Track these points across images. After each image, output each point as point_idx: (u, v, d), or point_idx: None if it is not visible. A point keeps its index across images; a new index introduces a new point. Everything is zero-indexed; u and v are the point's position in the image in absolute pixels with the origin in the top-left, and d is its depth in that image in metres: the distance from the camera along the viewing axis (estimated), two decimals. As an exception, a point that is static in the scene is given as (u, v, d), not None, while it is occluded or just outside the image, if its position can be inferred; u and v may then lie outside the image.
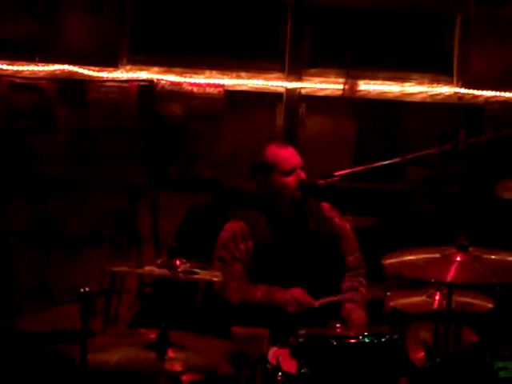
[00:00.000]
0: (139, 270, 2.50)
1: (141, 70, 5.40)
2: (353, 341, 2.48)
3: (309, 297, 3.15)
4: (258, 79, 5.41)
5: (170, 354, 2.50)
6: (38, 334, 4.35)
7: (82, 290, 2.44)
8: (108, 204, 5.15)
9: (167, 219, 5.09)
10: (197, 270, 2.46)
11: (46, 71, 5.29)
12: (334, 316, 3.13)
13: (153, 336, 2.55)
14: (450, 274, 2.55)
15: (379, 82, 5.47)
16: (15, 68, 5.24)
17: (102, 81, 5.32)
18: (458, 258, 2.63)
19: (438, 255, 2.68)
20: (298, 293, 3.16)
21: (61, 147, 5.29)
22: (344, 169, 3.46)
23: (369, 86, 5.45)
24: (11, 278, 4.94)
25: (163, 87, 5.36)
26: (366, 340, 2.47)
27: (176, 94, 5.35)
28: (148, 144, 5.29)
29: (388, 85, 5.47)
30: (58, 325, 4.23)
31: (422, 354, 2.80)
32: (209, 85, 5.36)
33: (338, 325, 2.63)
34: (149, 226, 5.09)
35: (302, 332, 2.53)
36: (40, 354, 4.06)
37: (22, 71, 5.25)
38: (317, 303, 3.12)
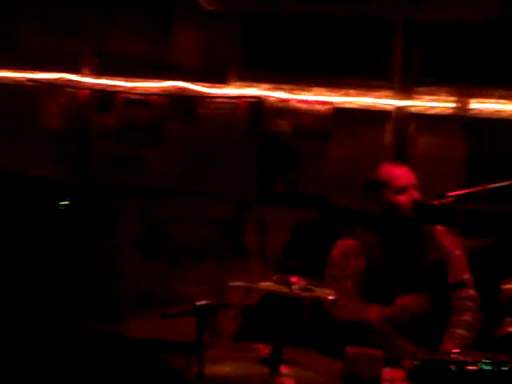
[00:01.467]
0: (257, 286, 2.52)
1: (250, 86, 5.48)
2: (472, 368, 2.41)
3: (419, 301, 3.11)
4: (367, 97, 5.39)
5: (283, 370, 2.51)
6: (145, 342, 4.44)
7: (198, 303, 2.46)
8: (215, 217, 5.24)
9: (273, 234, 5.12)
10: (312, 288, 2.46)
11: (159, 88, 5.46)
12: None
13: (266, 351, 2.56)
14: None
15: (492, 100, 5.35)
16: (130, 84, 5.45)
17: (212, 97, 5.44)
18: None
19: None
20: (407, 300, 3.12)
21: (171, 161, 5.44)
22: (455, 189, 3.40)
23: (481, 105, 5.34)
24: (120, 287, 5.07)
25: (272, 104, 5.42)
26: (486, 368, 2.40)
27: (284, 110, 5.40)
28: (256, 159, 5.36)
29: (502, 103, 5.34)
30: (166, 334, 4.31)
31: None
32: (317, 102, 5.38)
33: (454, 350, 2.57)
34: (255, 239, 5.13)
35: (418, 355, 2.49)
36: (147, 363, 4.15)
37: (137, 87, 5.45)
38: (430, 310, 3.08)
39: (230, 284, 2.69)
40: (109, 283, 4.97)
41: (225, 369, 2.59)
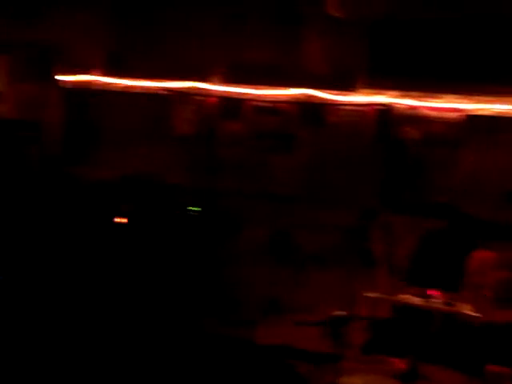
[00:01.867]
0: (395, 298, 2.48)
1: (378, 93, 5.41)
2: None
3: None
4: (501, 103, 5.19)
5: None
6: (273, 348, 4.44)
7: (333, 313, 2.46)
8: (340, 224, 5.19)
9: (400, 242, 5.02)
10: (452, 302, 2.39)
11: (288, 95, 5.51)
12: None
13: (401, 365, 2.52)
14: None
15: None
16: (259, 92, 5.53)
17: (341, 104, 5.42)
18: None
19: None
20: None
21: (298, 167, 5.46)
22: None
23: None
24: (247, 292, 5.12)
25: (400, 111, 5.33)
26: None
27: (413, 118, 5.30)
28: (383, 167, 5.28)
29: None
30: (293, 341, 4.30)
31: None
32: (448, 109, 5.25)
33: None
34: (381, 248, 5.04)
35: None
36: (275, 368, 4.15)
37: (265, 95, 5.53)
38: None
39: (365, 294, 2.66)
40: (236, 288, 5.03)
41: (357, 381, 2.57)
